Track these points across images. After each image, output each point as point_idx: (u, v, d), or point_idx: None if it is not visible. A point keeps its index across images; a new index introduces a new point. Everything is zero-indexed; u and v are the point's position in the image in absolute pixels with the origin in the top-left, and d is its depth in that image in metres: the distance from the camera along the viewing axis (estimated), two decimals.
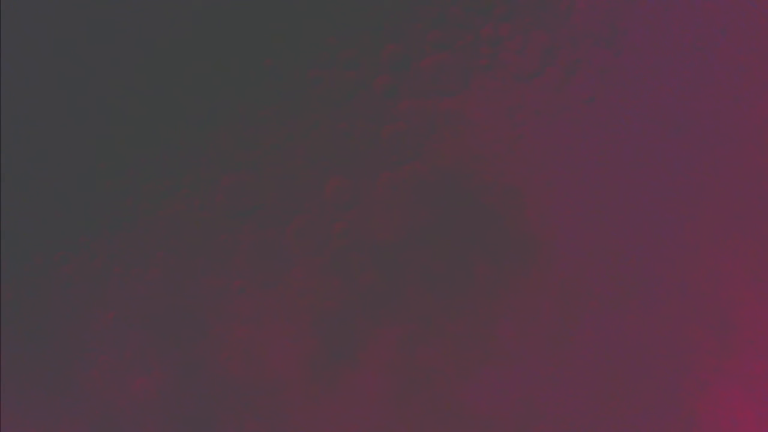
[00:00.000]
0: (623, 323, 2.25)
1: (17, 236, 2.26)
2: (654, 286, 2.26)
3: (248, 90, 2.27)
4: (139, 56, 2.28)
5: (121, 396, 2.24)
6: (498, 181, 2.27)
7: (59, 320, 2.25)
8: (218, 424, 2.24)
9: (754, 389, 2.23)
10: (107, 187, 2.27)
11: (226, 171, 2.27)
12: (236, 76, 2.28)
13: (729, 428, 2.23)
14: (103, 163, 2.27)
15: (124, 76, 2.28)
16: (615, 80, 2.28)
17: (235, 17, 2.28)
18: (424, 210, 2.27)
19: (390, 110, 2.27)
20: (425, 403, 2.24)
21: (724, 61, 2.28)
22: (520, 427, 2.24)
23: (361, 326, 2.25)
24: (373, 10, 2.29)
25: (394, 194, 2.26)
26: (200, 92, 2.28)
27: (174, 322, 2.25)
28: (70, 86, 2.28)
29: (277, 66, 2.28)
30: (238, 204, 2.26)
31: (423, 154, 2.27)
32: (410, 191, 2.26)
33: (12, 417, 2.24)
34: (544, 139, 2.27)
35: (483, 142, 2.27)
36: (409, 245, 2.26)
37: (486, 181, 2.27)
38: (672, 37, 2.29)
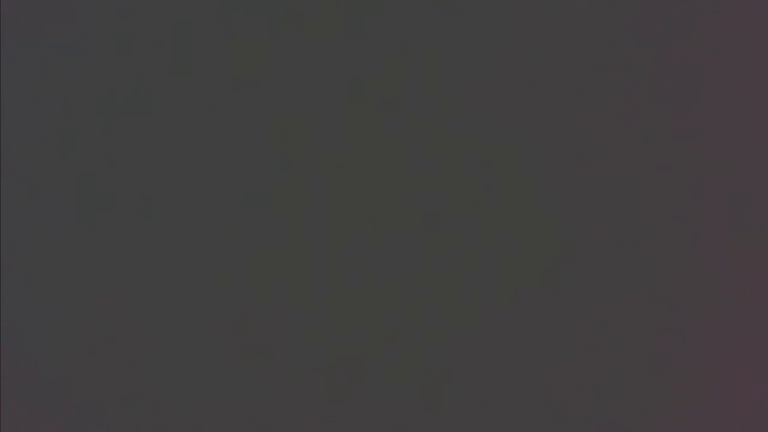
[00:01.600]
0: (626, 313, 2.25)
1: (17, 234, 2.26)
2: (657, 278, 2.26)
3: (248, 88, 2.28)
4: (138, 55, 2.29)
5: (120, 394, 2.24)
6: (501, 173, 2.27)
7: (60, 318, 2.25)
8: (219, 425, 2.24)
9: (754, 377, 2.24)
10: (106, 185, 2.27)
11: (226, 170, 2.27)
12: (236, 75, 2.28)
13: (728, 416, 2.23)
14: (103, 160, 2.27)
15: (122, 74, 2.28)
16: (621, 74, 2.29)
17: (234, 16, 2.29)
18: (427, 203, 2.27)
19: (392, 105, 2.28)
20: (429, 398, 2.25)
21: (727, 57, 2.29)
22: (520, 410, 2.24)
23: (362, 323, 2.25)
24: (376, 8, 2.29)
25: (399, 187, 2.27)
26: (200, 91, 2.28)
27: (175, 321, 2.25)
28: (70, 81, 2.28)
29: (277, 64, 2.28)
30: (238, 203, 2.27)
31: (426, 148, 2.27)
32: (414, 184, 2.27)
33: (12, 416, 2.24)
34: (549, 131, 2.28)
35: (487, 136, 2.28)
36: (413, 238, 2.26)
37: (489, 174, 2.27)
38: (678, 31, 2.29)
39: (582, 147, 2.27)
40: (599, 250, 2.26)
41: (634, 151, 2.27)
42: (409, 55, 2.28)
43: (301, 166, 2.27)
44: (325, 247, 2.26)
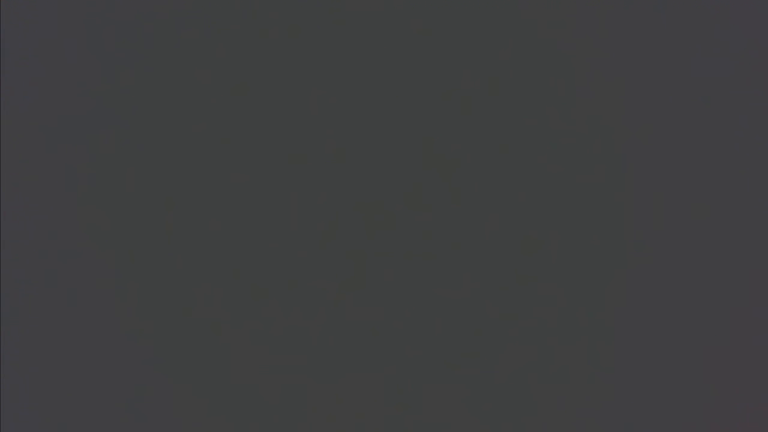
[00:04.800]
0: (626, 319, 2.26)
1: (17, 234, 2.26)
2: (656, 284, 2.26)
3: (247, 89, 2.28)
4: (139, 55, 2.29)
5: (121, 396, 2.25)
6: (498, 176, 2.27)
7: (61, 319, 2.25)
8: (221, 425, 2.24)
9: (756, 386, 2.24)
10: (108, 185, 2.27)
11: (227, 171, 2.27)
12: (236, 76, 2.28)
13: (728, 426, 2.23)
14: (104, 159, 2.27)
15: (124, 75, 2.29)
16: (617, 75, 2.28)
17: (233, 16, 2.29)
18: (424, 207, 2.27)
19: (390, 108, 2.28)
20: (424, 401, 2.25)
21: (724, 59, 2.29)
22: (514, 420, 2.24)
23: (361, 326, 2.26)
24: (374, 11, 2.29)
25: (395, 192, 2.27)
26: (200, 92, 2.28)
27: (176, 321, 2.25)
28: (70, 85, 2.28)
29: (276, 66, 2.29)
30: (240, 205, 2.27)
31: (423, 151, 2.27)
32: (409, 188, 2.27)
33: (12, 417, 2.24)
34: (545, 133, 2.28)
35: (482, 139, 2.28)
36: (407, 243, 2.26)
37: (486, 177, 2.27)
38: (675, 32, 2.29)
39: (581, 147, 2.27)
40: (599, 251, 2.26)
41: (634, 151, 2.27)
42: (408, 55, 2.28)
43: (301, 167, 2.28)
44: (325, 248, 2.26)
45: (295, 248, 2.27)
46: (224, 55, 2.28)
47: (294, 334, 2.26)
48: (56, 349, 2.25)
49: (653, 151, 2.27)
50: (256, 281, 2.26)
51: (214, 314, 2.25)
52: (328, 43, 2.29)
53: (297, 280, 2.26)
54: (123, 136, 2.28)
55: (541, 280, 2.25)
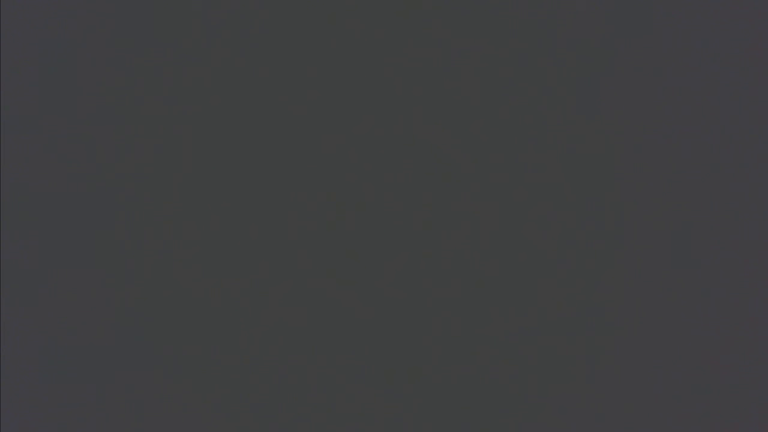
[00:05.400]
0: (626, 320, 2.26)
1: (17, 234, 2.26)
2: (656, 284, 2.26)
3: (246, 87, 2.28)
4: (139, 54, 2.29)
5: (121, 394, 2.25)
6: (497, 175, 2.27)
7: (60, 318, 2.25)
8: (219, 424, 2.24)
9: (754, 386, 2.24)
10: (107, 184, 2.27)
11: (226, 168, 2.28)
12: (235, 74, 2.29)
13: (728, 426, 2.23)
14: (102, 159, 2.27)
15: (123, 75, 2.29)
16: (616, 73, 2.29)
17: (234, 15, 2.29)
18: (423, 206, 2.27)
19: (390, 107, 2.28)
20: (423, 400, 2.25)
21: (725, 59, 2.29)
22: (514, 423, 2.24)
23: (359, 324, 2.26)
24: (372, 8, 2.29)
25: (393, 191, 2.27)
26: (201, 91, 2.28)
27: (176, 320, 2.25)
28: (70, 84, 2.28)
29: (276, 64, 2.29)
30: (238, 202, 2.27)
31: (421, 150, 2.27)
32: (407, 188, 2.27)
33: (12, 416, 2.24)
34: (542, 132, 2.28)
35: (481, 137, 2.28)
36: (406, 242, 2.27)
37: (484, 176, 2.27)
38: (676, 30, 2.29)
39: (582, 147, 2.27)
40: (599, 252, 2.26)
41: (635, 151, 2.27)
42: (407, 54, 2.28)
43: (301, 167, 2.28)
44: (325, 249, 2.27)
45: (295, 248, 2.27)
46: (226, 55, 2.28)
47: (293, 334, 2.26)
48: (56, 349, 2.25)
49: (653, 151, 2.28)
50: (255, 281, 2.26)
51: (214, 315, 2.26)
52: (328, 43, 2.29)
53: (296, 279, 2.26)
54: (123, 137, 2.28)
55: (540, 280, 2.26)
